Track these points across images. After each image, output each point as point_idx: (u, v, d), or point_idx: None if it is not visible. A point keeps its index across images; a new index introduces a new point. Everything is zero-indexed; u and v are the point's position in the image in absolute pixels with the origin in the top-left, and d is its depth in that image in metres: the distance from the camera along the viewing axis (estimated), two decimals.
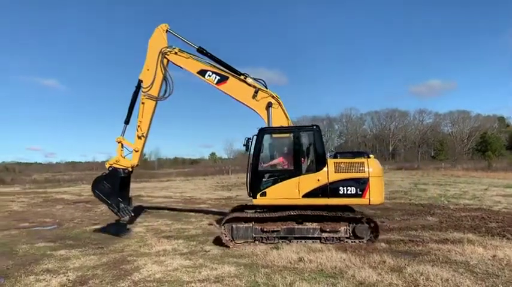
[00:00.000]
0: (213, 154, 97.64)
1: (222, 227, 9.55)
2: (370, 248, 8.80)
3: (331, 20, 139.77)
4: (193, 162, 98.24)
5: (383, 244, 9.15)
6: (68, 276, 7.30)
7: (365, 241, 9.22)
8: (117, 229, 11.58)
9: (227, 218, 9.66)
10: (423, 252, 8.45)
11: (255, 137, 9.80)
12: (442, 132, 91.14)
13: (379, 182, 9.29)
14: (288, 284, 6.46)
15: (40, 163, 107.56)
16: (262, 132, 9.85)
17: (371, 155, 9.66)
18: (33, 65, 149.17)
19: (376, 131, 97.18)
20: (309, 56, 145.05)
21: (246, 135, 9.99)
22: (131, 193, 11.87)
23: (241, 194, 24.04)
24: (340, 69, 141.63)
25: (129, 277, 7.13)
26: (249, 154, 9.96)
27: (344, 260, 7.82)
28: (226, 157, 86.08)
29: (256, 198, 9.58)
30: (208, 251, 9.12)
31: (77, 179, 46.23)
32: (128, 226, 12.09)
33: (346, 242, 9.27)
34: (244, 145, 10.12)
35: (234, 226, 9.54)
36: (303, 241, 9.34)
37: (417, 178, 36.14)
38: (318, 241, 9.35)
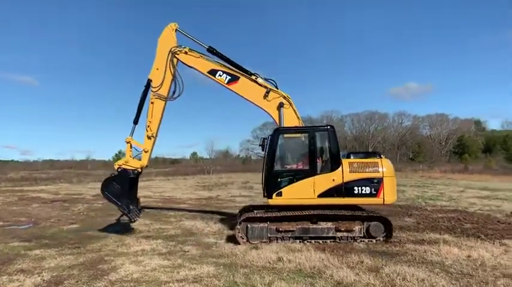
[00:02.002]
0: (194, 154, 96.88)
1: (238, 227, 9.58)
2: (349, 248, 8.89)
3: (311, 23, 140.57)
4: (174, 161, 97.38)
5: (361, 245, 9.25)
6: (43, 276, 7.15)
7: (379, 240, 9.43)
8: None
9: (242, 218, 9.67)
10: (400, 252, 8.57)
11: (270, 137, 9.86)
12: (420, 134, 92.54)
13: (392, 181, 9.50)
14: (267, 284, 6.47)
15: (17, 161, 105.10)
16: (277, 132, 9.90)
17: (382, 155, 9.85)
18: (9, 61, 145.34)
19: (356, 132, 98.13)
20: (290, 58, 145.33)
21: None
22: None
23: (222, 195, 24.02)
24: (322, 72, 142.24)
25: (105, 277, 7.03)
26: (265, 154, 9.99)
27: (323, 260, 7.88)
28: (208, 157, 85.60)
29: (271, 198, 9.61)
30: (188, 251, 9.06)
31: (54, 178, 45.39)
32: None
33: (361, 241, 9.43)
34: (260, 145, 10.23)
35: (249, 225, 9.55)
36: (313, 241, 9.46)
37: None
38: (333, 240, 9.49)
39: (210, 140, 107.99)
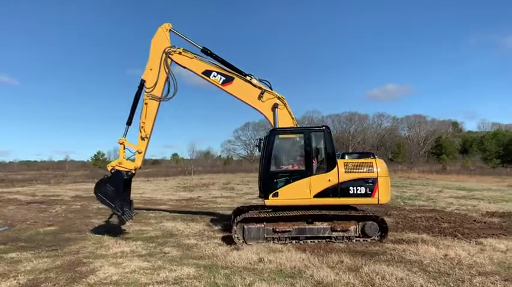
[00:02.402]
0: (175, 155, 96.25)
1: (234, 228, 9.53)
2: (329, 248, 8.97)
3: (293, 25, 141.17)
4: (154, 162, 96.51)
5: (341, 244, 9.33)
6: (19, 280, 6.98)
7: (374, 239, 9.52)
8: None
9: (239, 219, 9.60)
10: (379, 252, 8.68)
11: (266, 138, 9.91)
12: (399, 135, 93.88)
13: (387, 181, 9.63)
14: (247, 284, 6.46)
15: None
16: (273, 133, 9.93)
17: (376, 156, 9.99)
18: None
19: (336, 133, 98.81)
20: (273, 61, 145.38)
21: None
22: None
23: (203, 196, 23.91)
24: (307, 74, 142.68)
25: (84, 280, 6.91)
26: (261, 155, 10.00)
27: (303, 260, 7.92)
28: (189, 157, 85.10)
29: (268, 199, 9.63)
30: (168, 252, 8.98)
31: (31, 179, 44.43)
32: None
33: (356, 241, 9.52)
34: (256, 146, 10.26)
35: (245, 226, 9.51)
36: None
37: None
38: (328, 240, 9.53)
39: (191, 141, 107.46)
